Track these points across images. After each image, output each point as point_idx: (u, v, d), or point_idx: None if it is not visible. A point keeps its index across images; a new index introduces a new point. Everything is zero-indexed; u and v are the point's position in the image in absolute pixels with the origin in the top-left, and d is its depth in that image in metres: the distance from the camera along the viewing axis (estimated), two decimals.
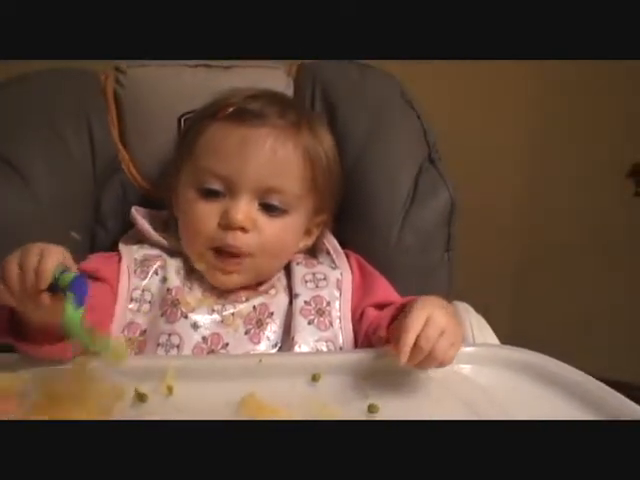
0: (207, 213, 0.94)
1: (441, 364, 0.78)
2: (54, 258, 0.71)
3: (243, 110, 0.95)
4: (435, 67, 1.26)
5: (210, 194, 0.94)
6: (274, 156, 0.93)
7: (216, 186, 0.94)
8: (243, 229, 0.92)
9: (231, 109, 0.96)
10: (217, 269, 0.95)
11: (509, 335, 0.98)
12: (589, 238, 1.85)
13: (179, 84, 1.10)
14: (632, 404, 0.76)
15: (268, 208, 0.94)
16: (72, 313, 0.67)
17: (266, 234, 0.94)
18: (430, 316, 0.77)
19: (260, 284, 0.99)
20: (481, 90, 1.73)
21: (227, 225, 0.92)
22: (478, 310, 1.08)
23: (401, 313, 0.85)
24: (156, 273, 0.96)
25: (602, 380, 0.80)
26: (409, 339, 0.75)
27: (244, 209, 0.92)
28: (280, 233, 0.95)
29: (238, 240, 0.93)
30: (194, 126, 1.00)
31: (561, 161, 1.82)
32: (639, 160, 1.79)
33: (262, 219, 0.94)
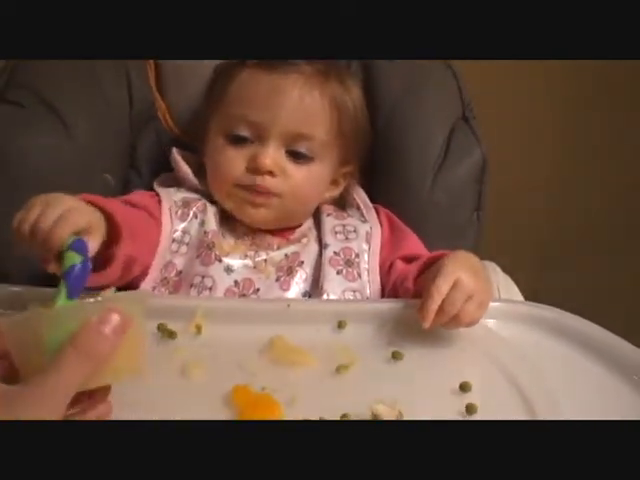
0: (235, 158, 0.95)
1: (468, 325, 0.78)
2: (70, 224, 0.69)
3: None
4: None
5: (239, 140, 0.96)
6: (301, 103, 0.94)
7: (245, 132, 0.95)
8: (271, 173, 0.94)
9: None
10: (246, 202, 0.96)
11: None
12: (623, 213, 1.83)
13: None
14: None
15: (295, 155, 0.95)
16: (63, 302, 0.62)
17: (293, 180, 0.95)
18: (458, 280, 0.77)
19: (291, 232, 1.00)
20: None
21: (255, 169, 0.94)
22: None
23: (429, 268, 0.86)
24: (195, 216, 0.98)
25: None
26: (433, 304, 0.75)
27: (272, 154, 0.94)
28: (306, 180, 0.96)
29: (266, 181, 0.94)
30: (224, 73, 1.01)
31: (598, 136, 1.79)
32: None
33: (289, 165, 0.95)
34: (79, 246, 0.67)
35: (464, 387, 0.71)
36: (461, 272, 0.77)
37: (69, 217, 0.69)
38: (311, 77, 0.96)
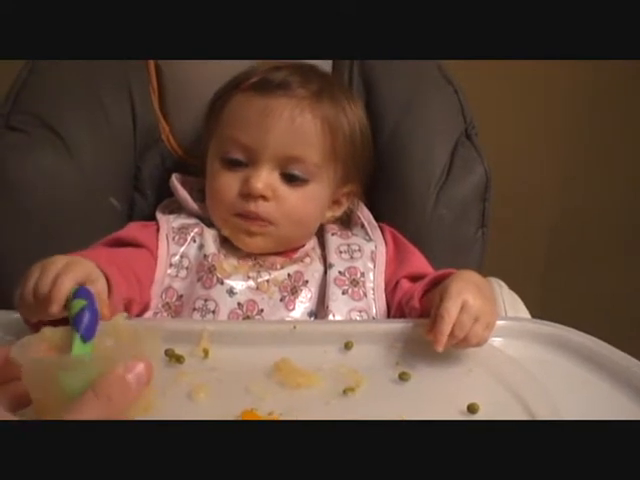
0: (229, 182, 0.96)
1: (476, 346, 0.79)
2: (70, 278, 0.71)
3: (266, 80, 0.97)
4: None
5: (233, 164, 0.96)
6: (292, 125, 0.94)
7: (239, 156, 0.96)
8: (264, 197, 0.94)
9: (254, 79, 0.98)
10: (241, 231, 0.97)
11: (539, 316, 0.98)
12: (624, 226, 1.83)
13: None
14: None
15: (289, 178, 0.95)
16: (79, 348, 0.63)
17: (287, 203, 0.95)
18: (465, 303, 0.77)
19: (294, 252, 1.00)
20: (522, 73, 1.71)
21: (248, 194, 0.94)
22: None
23: (434, 286, 0.86)
24: (194, 240, 0.98)
25: None
26: (446, 327, 0.76)
27: (264, 178, 0.94)
28: (301, 202, 0.96)
29: (259, 207, 0.94)
30: (221, 97, 1.02)
31: (600, 147, 1.79)
32: None
33: (283, 188, 0.95)
34: (83, 293, 0.68)
35: (472, 408, 0.71)
36: (467, 294, 0.78)
37: (67, 271, 0.72)
38: (303, 99, 0.96)
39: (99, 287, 0.75)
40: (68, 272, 0.72)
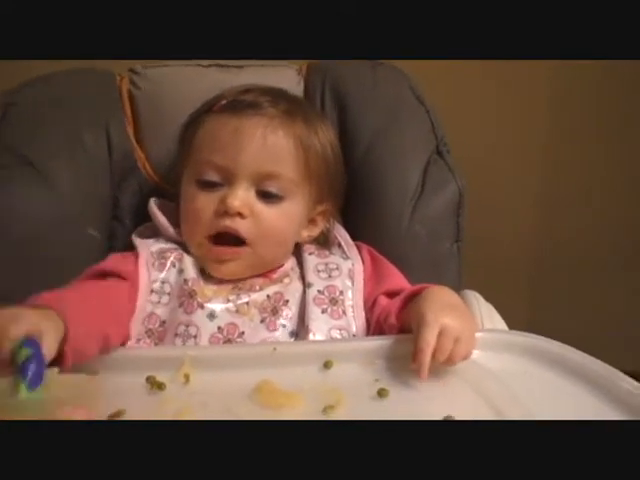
0: (205, 202, 0.96)
1: (461, 361, 0.80)
2: (17, 330, 0.69)
3: (236, 101, 0.99)
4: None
5: (209, 185, 0.97)
6: (265, 143, 0.95)
7: (214, 177, 0.97)
8: (240, 215, 0.95)
9: (225, 101, 0.99)
10: (212, 258, 0.98)
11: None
12: (605, 236, 1.85)
13: (192, 84, 1.13)
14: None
15: (265, 195, 0.96)
16: (26, 395, 0.64)
17: (264, 221, 0.96)
18: (444, 327, 0.78)
19: (273, 272, 1.01)
20: (497, 86, 1.74)
21: (224, 212, 0.95)
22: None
23: (411, 301, 0.88)
24: (173, 265, 0.98)
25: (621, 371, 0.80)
26: (425, 358, 0.77)
27: (241, 196, 0.95)
28: (278, 219, 0.97)
29: (236, 224, 0.95)
30: (193, 121, 1.03)
31: (576, 158, 1.81)
32: None
33: (259, 206, 0.96)
34: (30, 343, 0.68)
35: None
36: (444, 317, 0.79)
37: (17, 321, 0.70)
38: (275, 118, 0.97)
39: (48, 340, 0.72)
40: (16, 322, 0.70)
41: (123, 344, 0.90)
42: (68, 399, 0.66)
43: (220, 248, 0.97)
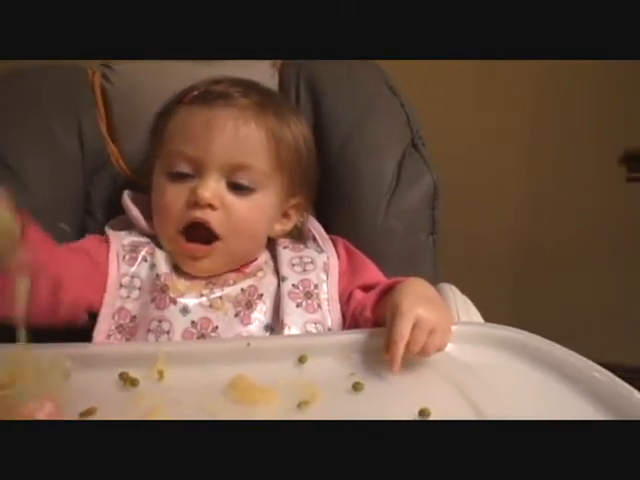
0: (176, 194, 0.95)
1: (436, 353, 0.80)
2: None
3: (207, 92, 0.98)
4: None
5: (180, 177, 0.96)
6: (237, 134, 0.95)
7: (185, 169, 0.96)
8: (211, 206, 0.94)
9: (196, 92, 0.99)
10: (185, 255, 0.97)
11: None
12: (584, 226, 1.86)
13: (165, 78, 1.12)
14: (616, 379, 0.76)
15: (236, 187, 0.95)
16: None
17: (234, 212, 0.95)
18: (418, 318, 0.78)
19: (246, 266, 1.01)
20: (478, 84, 1.75)
21: (195, 203, 0.94)
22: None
23: (386, 294, 0.88)
24: (145, 260, 0.98)
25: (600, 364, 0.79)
26: (398, 350, 0.77)
27: (212, 187, 0.94)
28: (249, 212, 0.96)
29: (207, 215, 0.94)
30: (163, 113, 1.02)
31: (553, 151, 1.82)
32: (631, 146, 1.80)
33: (230, 198, 0.95)
34: None
35: (423, 413, 0.72)
36: (418, 308, 0.79)
37: None
38: (247, 109, 0.96)
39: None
40: None
41: (74, 304, 0.90)
42: (37, 390, 0.65)
43: (193, 245, 0.96)
